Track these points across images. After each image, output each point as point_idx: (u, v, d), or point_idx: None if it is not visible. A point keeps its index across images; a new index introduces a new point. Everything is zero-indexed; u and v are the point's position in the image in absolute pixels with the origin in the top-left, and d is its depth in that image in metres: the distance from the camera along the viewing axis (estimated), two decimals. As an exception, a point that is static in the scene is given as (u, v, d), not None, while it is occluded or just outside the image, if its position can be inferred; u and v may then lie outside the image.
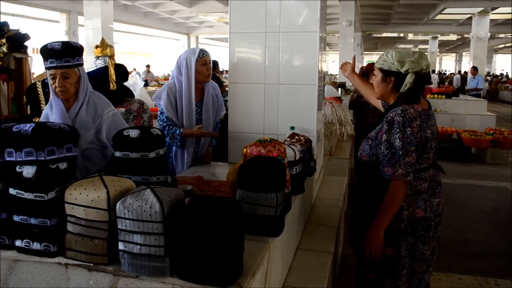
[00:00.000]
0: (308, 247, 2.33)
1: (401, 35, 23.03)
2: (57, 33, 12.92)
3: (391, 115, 2.07)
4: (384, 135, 2.07)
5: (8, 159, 1.44)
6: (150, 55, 27.07)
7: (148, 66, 17.52)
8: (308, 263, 2.17)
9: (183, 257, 1.25)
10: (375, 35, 22.64)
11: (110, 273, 1.36)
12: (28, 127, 1.44)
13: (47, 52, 2.13)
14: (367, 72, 5.10)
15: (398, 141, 2.02)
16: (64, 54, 2.12)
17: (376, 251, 2.13)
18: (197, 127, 2.95)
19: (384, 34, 22.21)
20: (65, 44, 2.14)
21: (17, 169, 1.41)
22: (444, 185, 2.30)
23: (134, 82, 6.08)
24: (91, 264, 1.37)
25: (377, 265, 2.22)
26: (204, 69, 2.94)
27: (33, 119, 3.64)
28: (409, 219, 2.14)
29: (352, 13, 12.39)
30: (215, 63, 6.25)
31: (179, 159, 3.08)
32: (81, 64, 2.24)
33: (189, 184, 2.25)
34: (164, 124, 2.97)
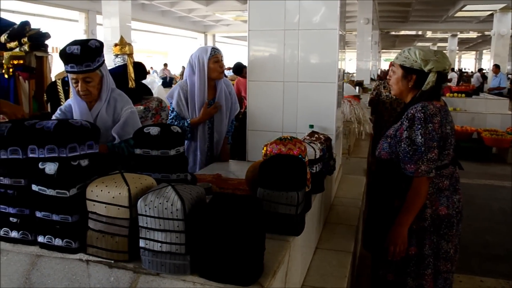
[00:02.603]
0: (328, 247, 2.31)
1: (420, 33, 22.71)
2: (76, 32, 13.08)
3: (412, 111, 2.05)
4: (405, 132, 2.05)
5: (30, 155, 1.46)
6: (167, 54, 27.23)
7: (165, 64, 17.64)
8: (327, 262, 2.15)
9: (204, 255, 1.24)
10: (393, 33, 22.38)
11: (131, 270, 1.36)
12: (50, 124, 1.45)
13: (67, 56, 2.08)
14: (388, 74, 5.03)
15: (420, 138, 2.00)
16: (84, 59, 2.07)
17: (400, 249, 2.11)
18: (203, 109, 2.96)
19: (402, 32, 21.93)
20: (84, 48, 2.07)
21: (40, 165, 1.42)
22: (464, 185, 2.28)
23: (152, 81, 6.11)
24: (112, 261, 1.37)
25: (399, 265, 2.20)
26: (217, 66, 2.95)
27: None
28: (432, 217, 2.12)
29: (370, 11, 12.27)
30: (242, 66, 6.17)
31: (190, 156, 3.09)
32: (103, 64, 2.20)
33: (208, 181, 2.25)
34: (173, 121, 3.01)
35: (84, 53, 2.07)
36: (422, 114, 2.01)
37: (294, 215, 1.55)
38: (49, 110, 3.90)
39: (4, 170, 1.49)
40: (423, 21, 18.75)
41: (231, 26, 21.07)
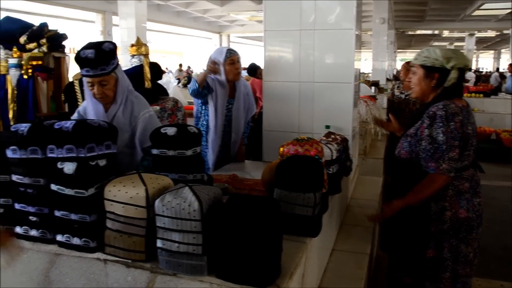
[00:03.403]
0: (344, 248, 2.29)
1: (436, 32, 22.42)
2: (92, 33, 13.22)
3: (433, 110, 2.02)
4: (426, 130, 2.03)
5: (49, 155, 1.47)
6: (182, 54, 27.35)
7: (180, 65, 17.78)
8: (344, 264, 2.13)
9: (221, 256, 1.24)
10: (409, 33, 22.14)
11: (148, 270, 1.36)
12: (69, 124, 1.46)
13: (82, 61, 2.07)
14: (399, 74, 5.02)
15: (441, 135, 1.98)
16: (98, 62, 2.06)
17: (382, 219, 2.23)
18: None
19: (418, 32, 21.68)
20: (98, 52, 2.05)
21: (58, 165, 1.43)
22: (482, 187, 2.23)
23: (168, 81, 6.15)
24: (129, 261, 1.38)
25: (416, 268, 2.17)
26: (233, 67, 2.96)
27: (71, 117, 3.73)
28: (452, 220, 2.09)
29: (385, 10, 12.16)
30: (256, 67, 6.18)
31: (203, 151, 3.09)
32: (117, 66, 2.18)
33: (224, 182, 2.25)
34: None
35: (99, 57, 2.06)
36: (443, 112, 1.99)
37: (311, 216, 1.54)
38: (66, 110, 3.94)
39: (24, 169, 1.51)
40: (440, 20, 18.49)
41: (246, 26, 21.06)
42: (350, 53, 2.85)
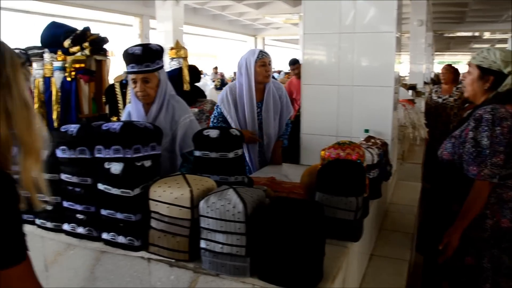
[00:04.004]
0: (383, 254, 2.25)
1: (476, 34, 21.73)
2: (130, 37, 13.52)
3: (480, 112, 1.96)
4: (471, 132, 1.97)
5: (97, 155, 1.52)
6: (216, 57, 27.59)
7: (216, 68, 18.00)
8: (383, 270, 2.09)
9: (264, 258, 1.25)
10: (448, 35, 21.56)
11: (191, 270, 1.38)
12: (116, 125, 1.50)
13: (128, 56, 2.14)
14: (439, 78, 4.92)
15: (485, 140, 1.92)
16: (144, 59, 2.12)
17: (451, 252, 2.05)
18: (247, 132, 2.99)
19: (457, 34, 21.08)
20: (145, 49, 2.13)
21: (105, 165, 1.47)
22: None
23: (204, 83, 6.23)
24: (173, 260, 1.41)
25: (454, 274, 2.11)
26: (263, 70, 2.96)
27: (111, 118, 3.84)
28: (493, 228, 2.02)
29: (423, 12, 11.88)
30: (297, 60, 6.14)
31: (246, 158, 3.11)
32: (161, 67, 2.24)
33: (263, 184, 2.25)
34: (215, 120, 3.06)
35: (145, 54, 2.12)
36: (490, 116, 1.93)
37: (352, 220, 1.52)
38: (107, 111, 4.06)
39: (73, 168, 1.56)
40: (481, 22, 17.92)
41: (281, 29, 21.05)
42: (390, 56, 2.80)
